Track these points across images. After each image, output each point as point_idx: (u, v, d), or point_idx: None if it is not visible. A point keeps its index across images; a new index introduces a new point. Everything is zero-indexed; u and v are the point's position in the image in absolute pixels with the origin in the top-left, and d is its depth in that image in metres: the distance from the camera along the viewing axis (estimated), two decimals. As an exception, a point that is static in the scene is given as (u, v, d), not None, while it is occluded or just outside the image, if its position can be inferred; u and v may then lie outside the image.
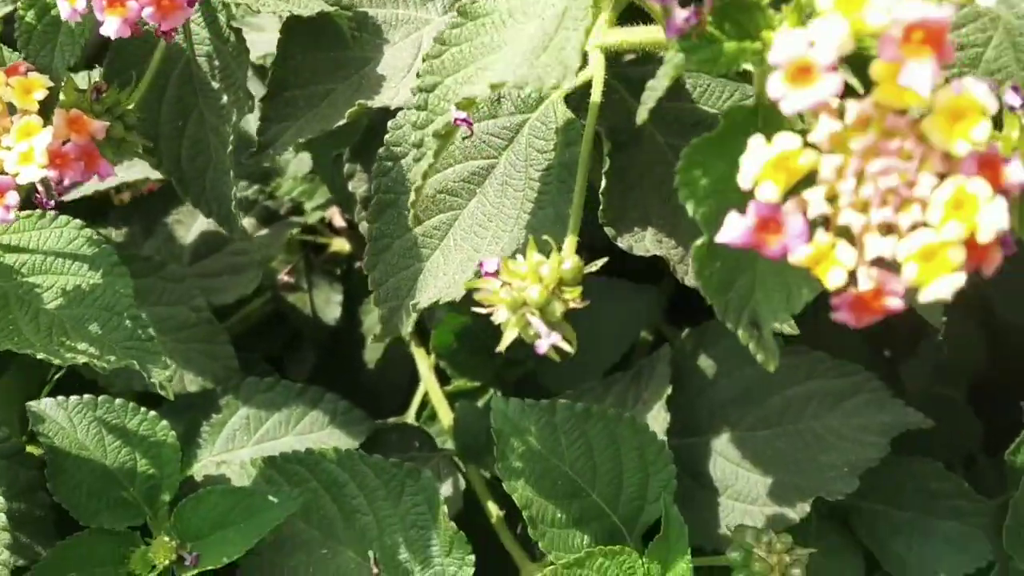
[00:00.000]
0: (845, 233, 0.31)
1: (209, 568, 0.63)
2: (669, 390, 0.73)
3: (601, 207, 0.59)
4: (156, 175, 0.84)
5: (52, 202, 0.51)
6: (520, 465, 0.64)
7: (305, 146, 0.90)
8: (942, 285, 0.29)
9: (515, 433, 0.64)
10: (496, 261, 0.40)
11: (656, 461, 0.66)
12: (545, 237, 0.44)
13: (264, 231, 0.87)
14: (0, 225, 0.53)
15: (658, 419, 0.72)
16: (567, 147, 0.50)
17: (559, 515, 0.65)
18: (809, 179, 0.31)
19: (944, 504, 0.79)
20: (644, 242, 0.59)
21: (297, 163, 0.97)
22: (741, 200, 0.34)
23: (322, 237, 1.00)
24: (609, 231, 0.59)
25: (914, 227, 0.31)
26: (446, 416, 0.83)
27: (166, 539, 0.65)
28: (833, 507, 0.80)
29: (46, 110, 0.52)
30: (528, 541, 0.76)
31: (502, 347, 0.42)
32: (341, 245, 1.00)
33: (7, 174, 0.49)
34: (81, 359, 0.54)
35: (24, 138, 0.49)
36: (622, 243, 0.59)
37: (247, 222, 0.87)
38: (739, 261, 0.38)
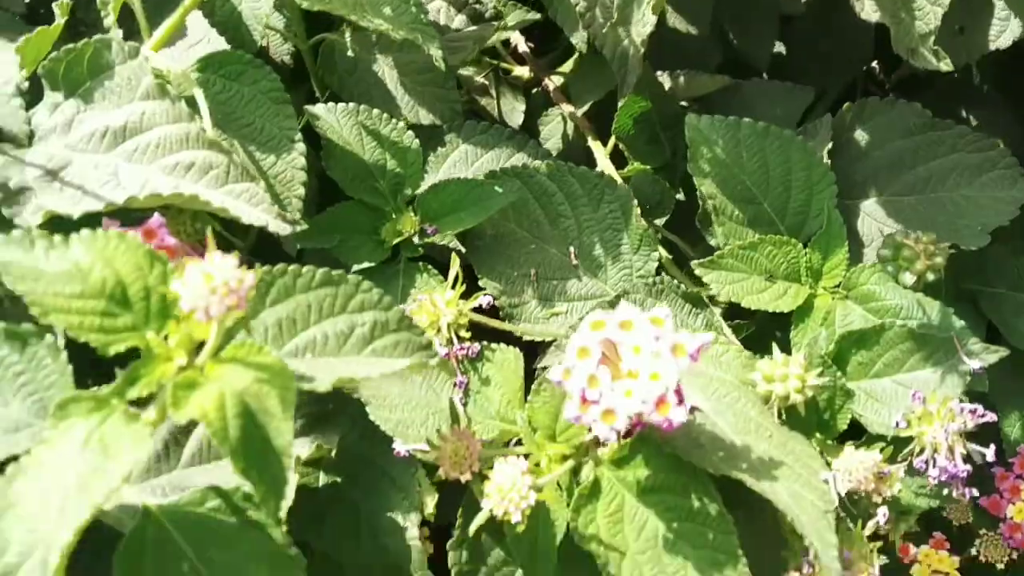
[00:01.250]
0: None
1: (448, 233, 0.78)
2: (830, 145, 0.84)
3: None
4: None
5: None
6: (708, 168, 0.76)
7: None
8: None
9: (705, 143, 0.77)
10: None
11: (820, 182, 0.78)
12: None
13: (472, 28, 1.02)
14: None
15: (820, 167, 0.84)
16: None
17: (736, 213, 0.77)
18: None
19: (1063, 291, 0.89)
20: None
21: (492, -13, 1.11)
22: None
23: (505, 63, 1.14)
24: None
25: None
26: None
27: (412, 215, 0.80)
28: (962, 290, 0.91)
29: None
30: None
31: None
32: (522, 72, 1.14)
33: None
34: (381, 28, 0.70)
35: None
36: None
37: (459, 19, 1.02)
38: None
